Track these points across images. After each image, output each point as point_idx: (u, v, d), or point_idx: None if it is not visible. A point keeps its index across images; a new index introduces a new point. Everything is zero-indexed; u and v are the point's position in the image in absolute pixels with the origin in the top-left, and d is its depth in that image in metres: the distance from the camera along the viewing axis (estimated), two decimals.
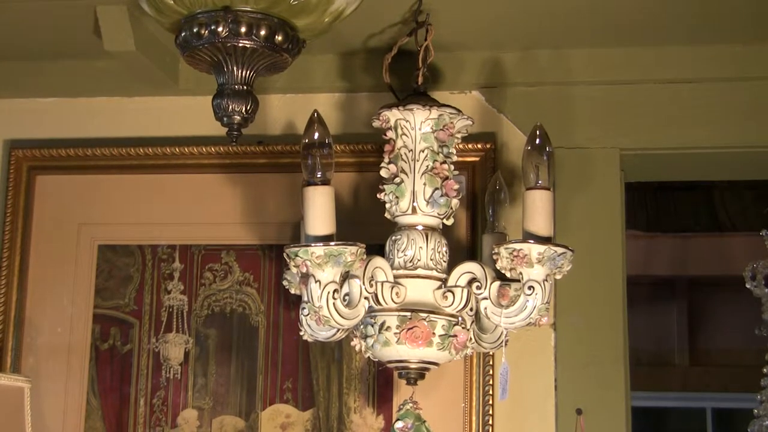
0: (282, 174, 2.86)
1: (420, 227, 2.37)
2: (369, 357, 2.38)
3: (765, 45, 2.72)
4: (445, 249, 2.39)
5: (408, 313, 2.30)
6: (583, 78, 2.80)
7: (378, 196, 2.41)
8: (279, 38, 2.31)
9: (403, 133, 2.39)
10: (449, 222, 2.41)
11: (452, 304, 2.32)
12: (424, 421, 2.36)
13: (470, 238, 2.76)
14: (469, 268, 2.35)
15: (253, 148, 2.87)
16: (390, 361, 2.36)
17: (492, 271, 2.34)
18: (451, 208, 2.39)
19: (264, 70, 2.37)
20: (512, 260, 2.24)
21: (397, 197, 2.37)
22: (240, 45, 2.29)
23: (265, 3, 2.26)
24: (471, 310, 2.35)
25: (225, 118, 2.37)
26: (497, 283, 2.32)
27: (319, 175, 2.27)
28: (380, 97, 2.71)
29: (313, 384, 2.78)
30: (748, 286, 2.92)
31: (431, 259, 2.35)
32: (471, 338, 2.37)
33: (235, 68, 2.33)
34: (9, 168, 2.97)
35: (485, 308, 2.32)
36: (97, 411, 2.84)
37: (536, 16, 2.62)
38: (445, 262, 2.38)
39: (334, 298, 2.22)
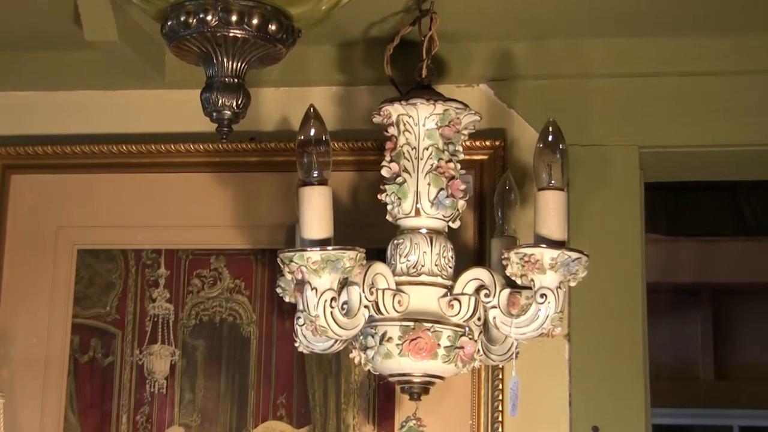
0: (276, 173, 2.86)
1: (424, 230, 2.38)
2: (369, 370, 2.39)
3: None
4: (450, 254, 2.40)
5: (411, 323, 2.31)
6: (600, 70, 2.81)
7: (379, 196, 2.42)
8: (272, 27, 2.31)
9: (406, 130, 2.40)
10: (455, 225, 2.41)
11: (458, 313, 2.33)
12: None
13: (478, 243, 2.76)
14: (476, 275, 2.36)
15: (245, 145, 2.88)
16: (392, 375, 2.36)
17: (501, 277, 2.34)
18: (458, 210, 2.40)
19: (256, 61, 2.38)
20: (523, 266, 2.25)
21: (399, 198, 2.38)
22: (231, 35, 2.29)
23: None
24: (479, 319, 2.36)
25: (214, 113, 2.37)
26: (507, 291, 2.33)
27: (315, 175, 2.27)
28: (381, 90, 2.71)
29: (309, 399, 2.78)
30: None
31: (436, 265, 2.36)
32: (479, 350, 2.37)
33: (225, 60, 2.34)
34: None
35: (494, 317, 2.33)
36: (76, 428, 2.84)
37: (549, 3, 2.62)
38: (450, 268, 2.39)
39: (331, 307, 2.22)
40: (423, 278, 2.35)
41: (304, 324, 2.25)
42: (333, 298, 2.22)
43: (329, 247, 2.21)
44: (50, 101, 3.02)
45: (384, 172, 2.41)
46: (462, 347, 2.32)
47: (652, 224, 4.81)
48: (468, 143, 2.53)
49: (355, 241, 2.27)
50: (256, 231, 2.87)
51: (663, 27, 2.72)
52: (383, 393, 2.75)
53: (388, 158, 2.42)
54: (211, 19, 2.27)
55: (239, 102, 2.36)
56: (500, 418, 2.68)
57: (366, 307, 2.28)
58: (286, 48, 2.39)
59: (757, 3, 2.59)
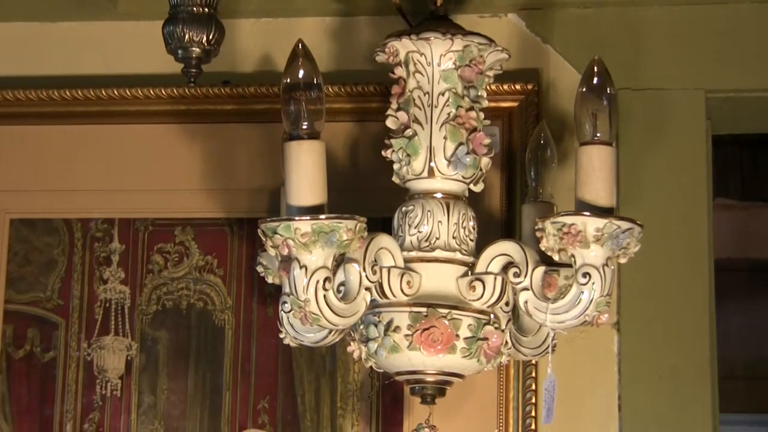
0: (256, 125, 2.87)
1: (439, 195, 2.39)
2: (371, 367, 2.41)
3: None
4: (472, 224, 2.41)
5: (423, 309, 2.32)
6: None
7: (383, 153, 2.43)
8: None
9: (417, 71, 2.41)
10: (478, 188, 2.43)
11: (482, 296, 2.35)
12: None
13: (506, 210, 2.77)
14: (504, 250, 2.37)
15: (218, 90, 2.88)
16: (399, 373, 2.38)
17: (535, 253, 2.36)
18: (480, 170, 2.41)
19: None
20: (562, 239, 2.26)
21: (408, 155, 2.39)
22: None
23: None
24: (507, 304, 2.37)
25: (180, 51, 2.38)
26: (541, 269, 2.34)
27: (304, 126, 2.28)
28: (386, 22, 2.72)
29: (298, 403, 2.80)
30: None
31: (454, 238, 2.38)
32: (507, 342, 2.39)
33: None
34: None
35: (526, 302, 2.34)
36: None
37: None
38: (472, 241, 2.41)
39: (325, 289, 2.23)
40: (438, 254, 2.37)
41: (291, 310, 2.27)
42: (327, 279, 2.23)
43: (322, 216, 2.22)
44: None
45: (390, 123, 2.42)
46: (486, 339, 2.34)
47: (722, 187, 4.82)
48: (493, 87, 2.54)
49: (354, 208, 2.28)
50: (232, 196, 2.88)
51: None
52: (389, 395, 2.77)
53: (394, 106, 2.43)
54: None
55: (210, 37, 2.37)
56: (533, 426, 2.69)
57: (367, 289, 2.30)
58: None
59: None
